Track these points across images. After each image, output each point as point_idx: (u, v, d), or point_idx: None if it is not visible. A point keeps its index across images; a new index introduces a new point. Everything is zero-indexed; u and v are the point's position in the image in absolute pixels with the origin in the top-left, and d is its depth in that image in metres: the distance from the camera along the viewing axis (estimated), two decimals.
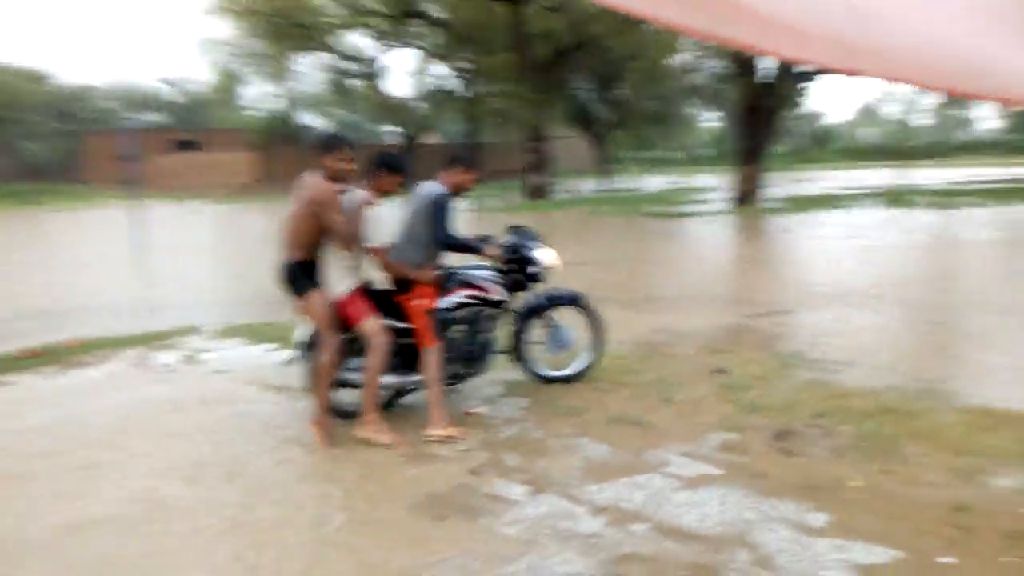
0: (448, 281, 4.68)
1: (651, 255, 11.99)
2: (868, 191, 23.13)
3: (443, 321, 4.52)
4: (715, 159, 56.67)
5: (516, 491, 3.54)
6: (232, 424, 4.59)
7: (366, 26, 34.90)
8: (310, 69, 42.17)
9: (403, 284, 4.42)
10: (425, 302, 4.40)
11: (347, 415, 4.53)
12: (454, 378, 4.65)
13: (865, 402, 4.52)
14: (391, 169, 4.38)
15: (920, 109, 52.52)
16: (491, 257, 4.69)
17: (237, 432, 4.45)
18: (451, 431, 4.27)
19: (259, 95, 46.68)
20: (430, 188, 4.50)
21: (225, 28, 39.80)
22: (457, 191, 4.58)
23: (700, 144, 59.63)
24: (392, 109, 38.18)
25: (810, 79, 20.63)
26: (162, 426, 4.59)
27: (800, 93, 23.23)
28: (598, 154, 38.10)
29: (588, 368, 5.14)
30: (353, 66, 39.01)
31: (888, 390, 4.76)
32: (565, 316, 5.09)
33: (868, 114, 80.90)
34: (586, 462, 3.83)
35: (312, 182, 4.13)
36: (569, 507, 3.36)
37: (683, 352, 5.84)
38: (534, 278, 4.87)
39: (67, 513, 3.43)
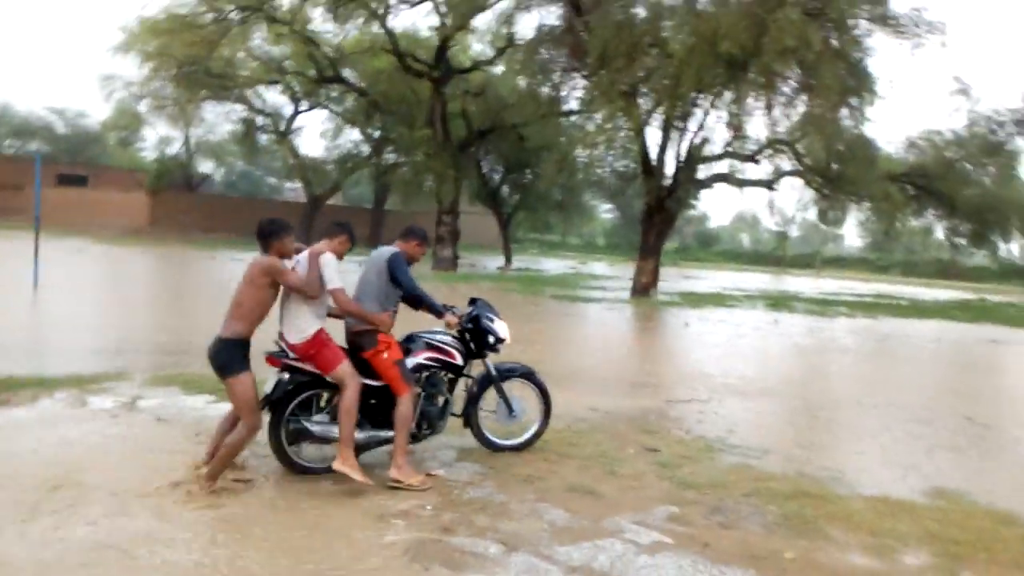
0: (412, 343, 4.99)
1: (564, 335, 12.55)
2: (752, 293, 24.96)
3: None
4: (607, 248, 59.40)
5: (491, 549, 3.81)
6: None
7: (283, 84, 35.06)
8: (216, 117, 41.72)
9: (358, 344, 4.68)
10: (391, 354, 4.69)
11: (304, 470, 4.69)
12: (413, 437, 4.89)
13: (784, 486, 5.08)
14: (347, 232, 4.78)
15: (794, 221, 57.10)
16: (449, 325, 5.05)
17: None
18: (416, 479, 4.52)
19: (157, 137, 45.31)
20: (385, 249, 4.92)
21: (130, 66, 38.70)
22: (410, 261, 4.99)
23: (596, 233, 62.29)
24: (300, 167, 38.02)
25: (708, 185, 22.35)
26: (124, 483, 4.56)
27: (695, 196, 25.02)
28: (501, 232, 39.20)
29: (534, 438, 5.49)
30: (265, 120, 38.87)
31: (801, 476, 5.35)
32: (516, 388, 5.45)
33: (744, 220, 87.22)
34: (551, 526, 4.15)
35: (260, 258, 4.44)
36: (544, 565, 3.66)
37: (615, 430, 6.29)
38: (490, 348, 5.24)
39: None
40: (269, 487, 4.50)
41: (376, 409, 4.75)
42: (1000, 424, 7.62)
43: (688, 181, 21.41)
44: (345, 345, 4.76)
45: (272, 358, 4.58)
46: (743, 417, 7.22)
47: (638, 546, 3.95)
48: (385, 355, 4.65)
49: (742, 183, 22.67)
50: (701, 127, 20.94)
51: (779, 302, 21.78)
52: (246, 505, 4.20)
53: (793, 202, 50.29)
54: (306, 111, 39.41)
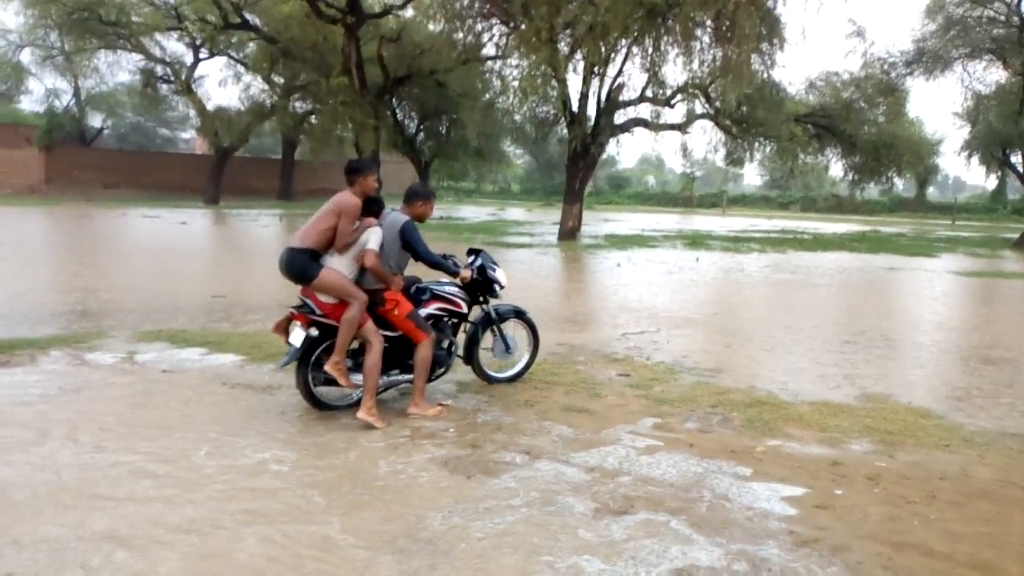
0: (422, 295, 5.48)
1: (509, 280, 13.14)
2: (669, 233, 26.19)
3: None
4: (523, 194, 60.07)
5: (517, 458, 4.42)
6: (239, 415, 5.03)
7: (182, 31, 33.54)
8: (109, 68, 39.58)
9: (372, 301, 5.12)
10: (403, 309, 5.17)
11: (328, 407, 5.17)
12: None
13: (742, 397, 5.89)
14: (424, 197, 5.33)
15: (697, 162, 59.17)
16: (464, 280, 5.54)
17: (250, 422, 4.91)
18: (433, 411, 5.09)
19: (44, 90, 42.55)
20: (396, 217, 5.28)
21: (8, 14, 36.16)
22: (420, 219, 5.43)
23: (510, 180, 62.77)
24: (208, 119, 36.66)
25: (627, 129, 23.15)
26: (156, 420, 4.92)
27: (616, 141, 25.84)
28: (420, 182, 39.15)
29: (525, 370, 6.12)
30: (165, 70, 37.14)
31: (753, 389, 6.18)
32: (510, 327, 6.04)
33: (649, 163, 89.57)
34: (560, 438, 4.80)
35: (342, 192, 4.94)
36: (565, 468, 4.31)
37: (586, 360, 6.98)
38: (492, 294, 5.79)
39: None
40: (300, 423, 4.96)
41: (391, 354, 5.23)
42: (908, 338, 8.73)
43: (608, 126, 22.15)
44: None
45: (300, 314, 4.98)
46: (691, 344, 8.05)
47: (637, 449, 4.65)
48: (396, 311, 5.13)
49: (658, 127, 23.58)
50: (620, 72, 21.65)
51: (696, 241, 23.01)
52: (283, 438, 4.65)
53: (703, 144, 52.16)
54: (207, 59, 37.92)
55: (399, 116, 34.11)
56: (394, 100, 32.33)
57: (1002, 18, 24.84)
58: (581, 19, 17.48)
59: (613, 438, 4.84)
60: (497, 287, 5.77)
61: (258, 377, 5.98)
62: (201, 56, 37.28)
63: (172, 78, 36.95)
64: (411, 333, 5.16)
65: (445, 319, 5.59)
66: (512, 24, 20.57)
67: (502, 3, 19.81)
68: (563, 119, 22.99)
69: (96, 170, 39.89)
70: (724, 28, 17.29)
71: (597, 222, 31.47)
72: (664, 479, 4.20)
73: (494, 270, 5.78)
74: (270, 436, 4.66)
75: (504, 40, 22.86)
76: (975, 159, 31.09)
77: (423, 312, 5.39)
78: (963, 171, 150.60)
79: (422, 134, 36.41)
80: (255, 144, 50.80)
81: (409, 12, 28.98)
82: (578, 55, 19.99)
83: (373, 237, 4.98)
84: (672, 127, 24.16)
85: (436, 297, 5.52)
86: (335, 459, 4.36)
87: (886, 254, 20.54)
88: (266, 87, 36.46)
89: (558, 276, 14.41)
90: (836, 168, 30.02)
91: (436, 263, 5.38)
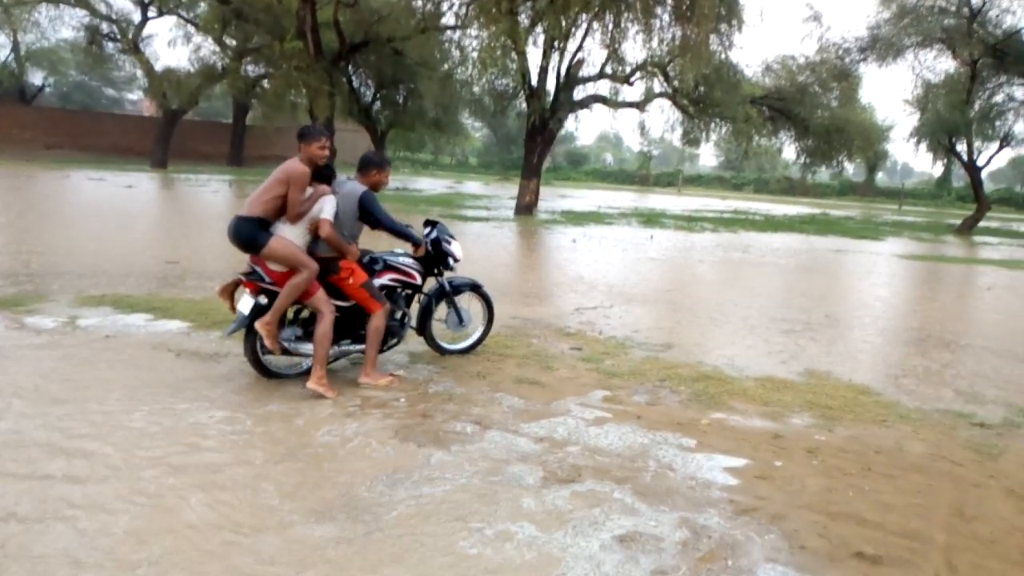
0: (375, 264, 5.42)
1: (465, 253, 13.10)
2: (624, 211, 26.37)
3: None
4: (480, 168, 59.75)
5: (468, 428, 4.44)
6: (183, 382, 4.94)
7: None
8: (50, 23, 38.00)
9: (324, 269, 5.04)
10: (356, 278, 5.12)
11: (275, 375, 5.12)
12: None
13: (689, 372, 6.00)
14: (378, 166, 5.22)
15: (654, 141, 59.55)
16: (419, 252, 5.49)
17: (195, 388, 4.83)
18: (384, 381, 5.07)
19: None
20: (353, 187, 5.19)
21: None
22: (376, 188, 5.35)
23: (468, 152, 62.30)
24: (156, 79, 35.46)
25: (585, 105, 23.13)
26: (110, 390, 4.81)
27: (574, 117, 25.80)
28: (374, 151, 38.53)
29: (478, 343, 6.13)
30: (111, 28, 35.79)
31: (700, 364, 6.30)
32: (464, 300, 6.03)
33: (607, 140, 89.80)
34: (511, 409, 4.83)
35: (290, 160, 4.78)
36: (515, 438, 4.34)
37: (540, 334, 7.02)
38: (447, 266, 5.77)
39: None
40: (247, 391, 4.90)
41: (342, 324, 5.17)
42: (850, 318, 8.97)
43: (567, 101, 22.10)
44: None
45: (249, 282, 4.89)
46: (642, 320, 8.15)
47: (586, 420, 4.71)
48: (351, 280, 5.07)
49: (617, 104, 23.61)
50: (580, 48, 21.57)
51: (650, 219, 23.22)
52: (229, 406, 4.59)
53: (661, 123, 52.36)
54: (155, 18, 36.66)
55: (355, 84, 33.43)
56: (350, 67, 31.68)
57: (953, 8, 25.38)
58: None
59: (563, 410, 4.89)
60: (451, 260, 5.75)
61: (204, 344, 5.87)
62: (149, 15, 36.07)
63: (118, 36, 35.61)
64: (365, 303, 5.12)
65: (398, 290, 5.56)
66: None
67: None
68: (522, 93, 22.86)
69: (37, 130, 38.50)
70: (684, 7, 17.33)
71: (554, 198, 31.50)
72: (611, 449, 4.27)
73: (449, 243, 5.75)
74: (215, 403, 4.60)
75: (464, 10, 22.58)
76: (923, 146, 31.83)
77: (377, 282, 5.34)
78: (911, 158, 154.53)
79: (378, 103, 35.80)
80: (205, 107, 49.46)
81: None
82: (539, 28, 19.84)
83: (327, 206, 4.90)
84: (630, 105, 24.21)
85: (389, 268, 5.48)
86: (281, 426, 4.32)
87: (834, 236, 21.02)
88: (217, 49, 35.42)
89: (514, 251, 14.41)
90: (789, 151, 30.42)
91: (400, 232, 5.32)
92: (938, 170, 47.92)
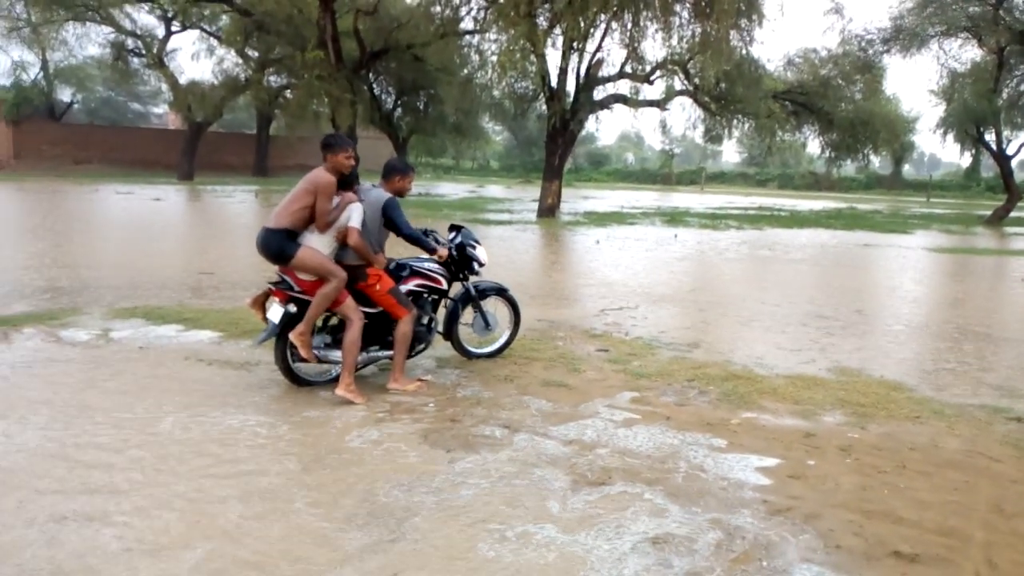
0: (402, 271, 5.47)
1: (490, 256, 13.13)
2: (647, 211, 26.26)
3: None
4: (502, 171, 59.82)
5: (496, 432, 4.45)
6: (215, 391, 5.01)
7: (153, 3, 32.90)
8: (78, 40, 38.67)
9: (352, 276, 5.08)
10: (383, 285, 5.16)
11: (306, 383, 5.17)
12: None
13: (717, 371, 5.96)
14: (402, 172, 5.28)
15: (676, 139, 59.23)
16: (441, 257, 5.52)
17: (227, 397, 4.89)
18: (413, 386, 5.10)
19: (10, 63, 41.54)
20: (378, 194, 5.24)
21: None
22: (400, 194, 5.39)
23: (489, 156, 62.41)
24: (182, 93, 35.95)
25: (606, 106, 23.08)
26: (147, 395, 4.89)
27: (595, 117, 25.75)
28: (397, 157, 38.71)
29: (506, 346, 6.14)
30: (135, 43, 36.37)
31: (729, 363, 6.25)
32: (490, 304, 6.05)
33: (629, 140, 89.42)
34: (539, 412, 4.84)
35: (317, 169, 4.85)
36: (544, 441, 4.35)
37: (565, 336, 7.02)
38: (472, 271, 5.79)
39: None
40: (278, 399, 4.96)
41: (370, 330, 5.22)
42: (881, 314, 8.86)
43: (588, 102, 22.06)
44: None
45: (278, 291, 4.95)
46: (668, 320, 8.11)
47: (615, 422, 4.70)
48: (378, 287, 5.12)
49: (637, 103, 23.52)
50: (599, 48, 21.54)
51: (674, 218, 23.11)
52: (262, 412, 4.64)
53: (682, 121, 52.20)
54: (179, 32, 37.21)
55: (376, 91, 33.72)
56: (371, 75, 31.95)
57: None
58: None
59: (591, 412, 4.88)
60: (476, 264, 5.77)
61: (236, 353, 5.95)
62: (173, 29, 36.62)
63: (143, 51, 36.21)
64: (392, 309, 5.16)
65: (425, 295, 5.59)
66: None
67: None
68: (542, 95, 22.83)
69: (66, 145, 39.21)
70: (703, 3, 17.23)
71: (576, 199, 31.45)
72: (641, 451, 4.25)
73: (474, 247, 5.77)
74: (248, 410, 4.65)
75: (483, 14, 22.62)
76: (950, 137, 31.36)
77: (404, 288, 5.38)
78: (938, 149, 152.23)
79: (399, 109, 36.05)
80: (229, 119, 50.04)
81: None
82: (557, 30, 19.82)
83: (355, 215, 4.95)
84: (651, 104, 24.12)
85: (416, 273, 5.51)
86: (313, 432, 4.36)
87: (861, 231, 20.75)
88: (240, 61, 35.87)
89: (537, 253, 14.42)
90: (813, 145, 30.18)
91: (417, 240, 5.36)
92: (966, 160, 47.22)
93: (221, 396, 4.92)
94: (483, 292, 5.97)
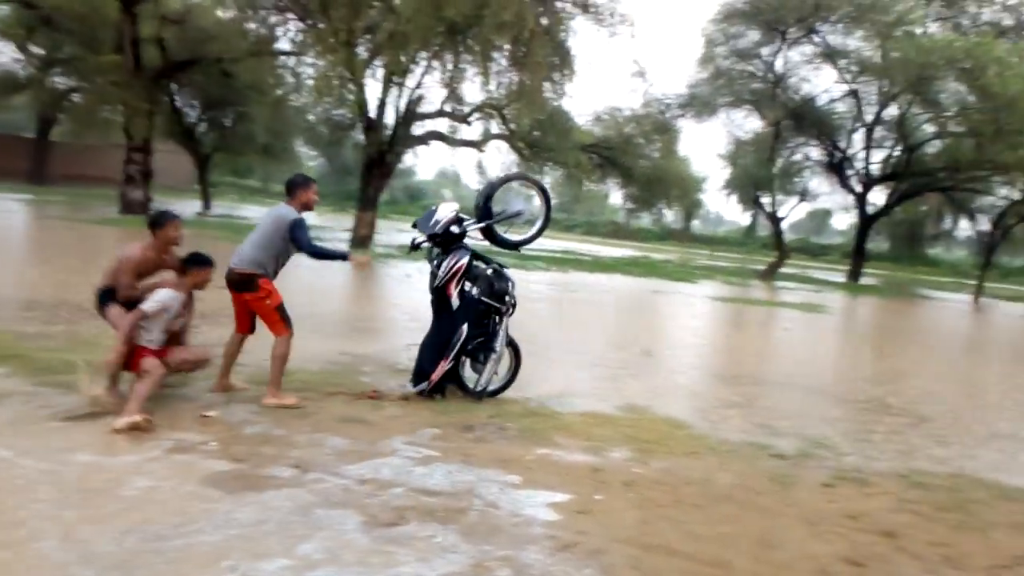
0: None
1: (293, 285, 12.57)
2: None
3: None
4: None
5: (286, 472, 4.20)
6: None
7: None
8: None
9: (242, 285, 5.23)
10: (274, 300, 5.28)
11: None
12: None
13: (517, 408, 6.07)
14: (302, 185, 5.43)
15: (487, 176, 61.07)
16: (361, 265, 6.05)
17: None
18: (292, 400, 5.36)
19: None
20: (285, 211, 5.35)
21: None
22: (308, 208, 5.54)
23: None
24: None
25: (424, 141, 23.29)
26: None
27: (413, 152, 25.93)
28: (198, 174, 36.40)
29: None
30: None
31: (528, 401, 6.38)
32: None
33: (447, 176, 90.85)
34: (334, 450, 4.63)
35: (126, 249, 5.07)
36: (337, 480, 4.16)
37: (370, 371, 6.85)
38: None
39: None
40: (33, 437, 4.37)
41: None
42: (666, 355, 9.52)
43: (406, 136, 22.14)
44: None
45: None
46: None
47: (413, 460, 4.61)
48: (268, 301, 5.20)
49: (455, 142, 23.97)
50: (419, 85, 21.75)
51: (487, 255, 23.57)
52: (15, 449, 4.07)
53: (498, 163, 53.81)
54: None
55: (178, 103, 31.69)
56: (173, 85, 29.99)
57: (760, 74, 28.17)
58: (382, 26, 17.36)
59: (389, 449, 4.75)
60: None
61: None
62: None
63: None
64: (274, 325, 5.26)
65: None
66: (309, 22, 19.95)
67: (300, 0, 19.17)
68: (359, 124, 22.64)
69: None
70: (520, 54, 17.97)
71: (391, 231, 31.20)
72: (438, 489, 4.19)
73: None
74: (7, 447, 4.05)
75: (300, 36, 22.12)
76: (733, 197, 34.84)
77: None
78: (724, 207, 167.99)
79: (204, 125, 34.10)
80: (3, 119, 44.78)
81: None
82: (378, 62, 19.82)
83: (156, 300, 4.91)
84: (469, 143, 24.69)
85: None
86: (73, 472, 3.88)
87: (655, 278, 22.36)
88: (20, 56, 32.36)
89: (344, 283, 14.09)
90: (616, 196, 32.31)
91: (320, 253, 5.51)
92: (746, 220, 52.66)
93: None
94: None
